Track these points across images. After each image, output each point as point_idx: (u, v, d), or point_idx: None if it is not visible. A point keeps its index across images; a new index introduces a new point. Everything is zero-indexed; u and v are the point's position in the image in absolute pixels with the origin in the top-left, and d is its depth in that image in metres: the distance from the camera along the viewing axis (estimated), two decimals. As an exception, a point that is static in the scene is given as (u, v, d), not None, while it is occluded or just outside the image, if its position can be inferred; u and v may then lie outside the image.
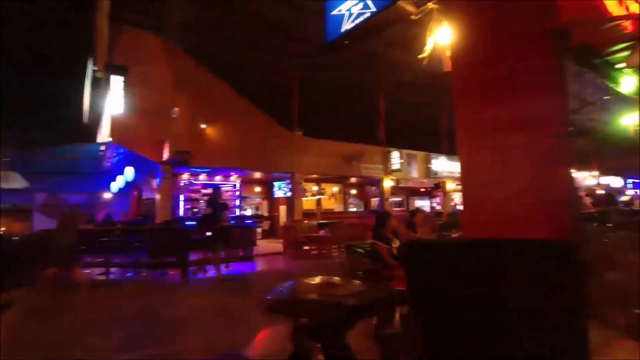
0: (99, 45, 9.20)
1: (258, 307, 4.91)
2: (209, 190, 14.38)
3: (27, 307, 6.24)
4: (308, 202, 16.92)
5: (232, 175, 15.08)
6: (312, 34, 12.46)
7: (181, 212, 13.81)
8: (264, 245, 13.57)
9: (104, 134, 12.05)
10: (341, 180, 18.52)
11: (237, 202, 15.41)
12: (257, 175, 16.40)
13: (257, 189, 18.02)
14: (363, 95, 16.97)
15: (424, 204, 22.88)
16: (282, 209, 17.41)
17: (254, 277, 8.74)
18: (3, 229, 16.05)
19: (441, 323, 1.46)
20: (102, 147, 12.54)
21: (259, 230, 15.37)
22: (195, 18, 10.69)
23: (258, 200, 18.20)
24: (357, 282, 2.42)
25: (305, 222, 13.87)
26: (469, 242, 1.92)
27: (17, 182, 14.13)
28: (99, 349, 4.16)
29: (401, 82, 15.86)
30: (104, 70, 9.83)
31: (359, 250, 4.98)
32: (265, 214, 18.00)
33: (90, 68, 11.62)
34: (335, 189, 19.41)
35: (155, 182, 12.74)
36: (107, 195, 17.81)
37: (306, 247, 11.89)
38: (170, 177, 12.20)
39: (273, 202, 18.10)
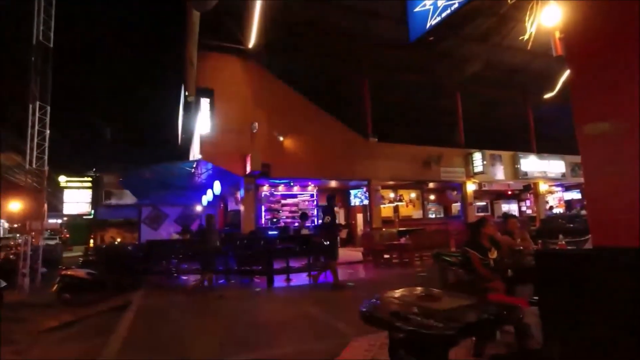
0: (189, 72, 10.20)
1: (347, 315, 4.87)
2: (290, 201, 14.94)
3: (140, 308, 7.04)
4: (385, 210, 16.59)
5: (309, 185, 15.45)
6: (384, 37, 12.44)
7: (263, 222, 14.51)
8: (342, 253, 13.57)
9: (195, 152, 13.27)
10: (419, 185, 17.86)
11: (315, 212, 15.72)
12: (333, 183, 16.57)
13: (334, 197, 18.19)
14: (439, 96, 16.26)
15: (511, 208, 20.95)
16: (359, 217, 17.32)
17: (338, 285, 8.75)
18: (119, 239, 18.56)
19: (581, 342, 1.26)
20: (194, 164, 13.79)
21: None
22: (269, 33, 11.26)
23: (335, 208, 18.34)
24: (460, 295, 2.24)
25: (384, 229, 13.59)
26: (606, 251, 1.64)
27: (128, 197, 16.20)
28: (196, 350, 4.49)
29: (480, 78, 14.88)
30: (194, 94, 10.85)
31: (448, 259, 4.68)
32: (343, 222, 18.07)
33: (182, 94, 12.97)
34: (413, 195, 18.76)
35: (239, 194, 13.60)
36: (199, 208, 19.49)
37: (386, 255, 11.63)
38: (253, 189, 12.93)
39: (350, 210, 18.11)
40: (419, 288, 2.35)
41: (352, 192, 17.59)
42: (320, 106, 13.83)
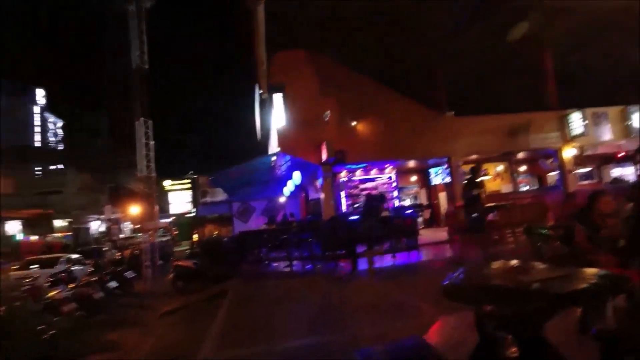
0: (260, 71, 10.73)
1: (432, 295, 4.78)
2: (368, 185, 14.95)
3: (237, 294, 7.78)
4: (470, 186, 15.62)
5: (386, 167, 15.24)
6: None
7: (344, 208, 14.74)
8: (427, 234, 13.21)
9: (273, 146, 13.97)
10: (506, 157, 16.38)
11: (395, 193, 15.47)
12: (412, 164, 16.08)
13: (413, 178, 17.69)
14: (521, 56, 14.58)
15: (624, 172, 18.01)
16: (442, 196, 16.58)
17: (422, 265, 8.60)
18: (216, 232, 20.53)
19: None
20: (273, 158, 14.55)
21: (419, 219, 15.06)
22: (330, 20, 11.21)
23: (415, 189, 17.86)
24: (558, 267, 2.09)
25: (470, 207, 12.84)
26: None
27: (220, 195, 17.75)
28: (287, 332, 4.82)
29: (569, 28, 12.96)
30: (267, 91, 11.40)
31: (543, 232, 4.28)
32: (425, 202, 17.51)
33: (256, 92, 13.70)
34: (500, 168, 17.29)
35: (318, 183, 14.00)
36: (282, 199, 20.54)
37: (474, 234, 11.01)
38: (330, 177, 13.20)
39: (431, 190, 17.45)
40: (504, 261, 2.24)
41: (432, 170, 16.89)
42: (390, 86, 13.46)
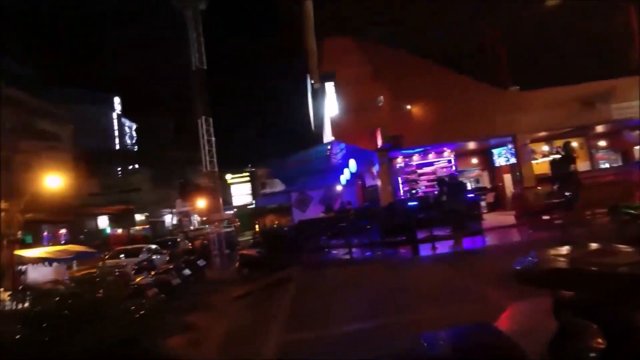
0: (311, 61, 10.80)
1: (500, 280, 4.54)
2: (426, 169, 14.47)
3: (299, 280, 8.04)
4: (539, 165, 14.42)
5: (444, 151, 14.61)
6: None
7: (401, 194, 14.45)
8: (491, 218, 12.49)
9: (327, 135, 14.06)
10: (582, 132, 14.81)
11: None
12: (472, 145, 15.24)
13: (474, 160, 16.76)
14: (597, 16, 12.96)
15: None
16: (507, 178, 15.52)
17: (487, 250, 8.20)
18: (276, 222, 21.31)
19: None
20: (328, 147, 14.66)
21: (482, 203, 14.27)
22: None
23: (477, 172, 16.92)
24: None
25: (540, 188, 11.87)
26: None
27: (278, 185, 18.35)
28: (350, 316, 4.89)
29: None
30: (318, 80, 11.46)
31: (631, 211, 3.85)
32: (487, 185, 16.52)
33: (308, 82, 13.83)
34: (575, 144, 15.67)
35: (374, 169, 13.86)
36: (338, 187, 20.68)
37: (546, 217, 10.18)
38: (387, 163, 12.99)
39: (494, 172, 16.40)
40: (590, 243, 2.06)
41: (495, 151, 15.83)
42: (446, 65, 12.78)
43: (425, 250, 8.70)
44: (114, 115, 53.38)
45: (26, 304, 7.34)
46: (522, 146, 12.92)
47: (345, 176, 17.09)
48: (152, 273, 9.93)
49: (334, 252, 11.27)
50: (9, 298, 7.36)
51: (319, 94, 13.04)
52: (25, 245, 15.98)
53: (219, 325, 6.31)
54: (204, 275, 12.54)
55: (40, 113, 25.54)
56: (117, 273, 7.98)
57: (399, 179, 14.55)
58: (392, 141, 11.88)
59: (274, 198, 27.01)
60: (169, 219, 41.03)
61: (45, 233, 24.29)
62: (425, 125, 12.55)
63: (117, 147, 50.62)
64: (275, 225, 23.03)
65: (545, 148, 14.94)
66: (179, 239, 21.46)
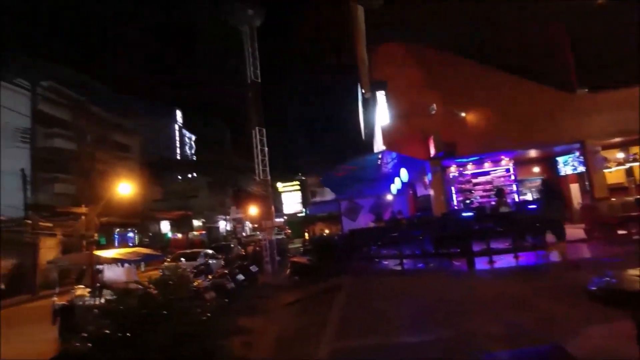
0: (362, 71, 10.87)
1: (568, 299, 4.22)
2: (482, 179, 13.82)
3: (350, 288, 8.02)
4: (613, 174, 13.17)
5: (502, 159, 13.86)
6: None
7: (455, 204, 13.91)
8: (558, 231, 11.55)
9: (378, 144, 13.98)
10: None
11: (514, 187, 13.96)
12: (533, 153, 14.32)
13: (536, 169, 15.69)
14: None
15: None
16: (574, 187, 14.33)
17: (552, 266, 7.61)
18: (326, 230, 21.47)
19: None
20: (379, 156, 14.56)
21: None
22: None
23: (539, 181, 15.82)
24: None
25: (614, 199, 10.83)
26: None
27: (328, 194, 18.51)
28: (401, 328, 4.79)
29: None
30: (369, 90, 11.49)
31: None
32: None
33: (359, 91, 13.90)
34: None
35: (427, 179, 13.51)
36: (389, 197, 20.39)
37: (622, 231, 9.27)
38: (440, 171, 12.61)
39: (559, 181, 15.21)
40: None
41: (560, 159, 14.71)
42: (504, 69, 12.19)
43: (481, 263, 8.29)
44: (176, 127, 57.33)
45: (102, 300, 8.07)
46: (592, 153, 11.90)
47: (396, 185, 16.83)
48: (209, 277, 10.43)
49: (385, 262, 11.11)
50: (88, 294, 8.14)
51: (369, 103, 13.05)
52: (100, 246, 17.63)
53: (272, 329, 6.48)
54: (257, 280, 12.92)
55: (114, 126, 28.19)
56: (178, 276, 8.49)
57: (453, 188, 14.02)
58: (445, 149, 11.53)
59: (323, 206, 27.26)
60: (223, 225, 42.93)
61: (116, 235, 26.55)
62: (481, 132, 12.06)
63: (178, 156, 54.19)
64: (325, 234, 23.20)
65: (620, 155, 13.60)
66: (232, 245, 22.37)
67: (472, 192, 13.82)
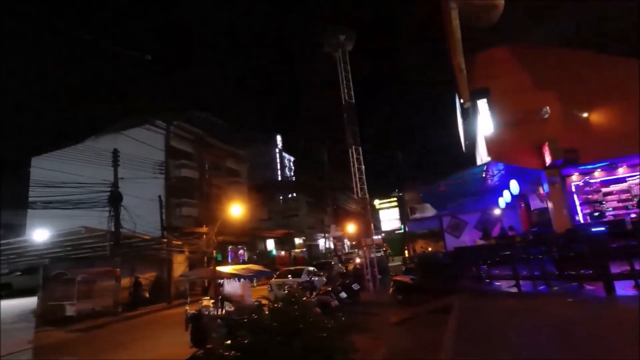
0: (459, 80, 10.42)
1: None
2: (615, 187, 11.81)
3: (462, 310, 7.51)
4: None
5: (642, 163, 11.66)
6: None
7: (580, 218, 12.09)
8: None
9: (482, 155, 13.06)
10: None
11: (662, 195, 11.55)
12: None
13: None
14: None
15: None
16: None
17: None
18: (429, 248, 20.59)
19: None
20: (484, 168, 13.57)
21: None
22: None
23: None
24: None
25: None
26: None
27: (429, 210, 17.83)
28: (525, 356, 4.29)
29: None
30: (469, 99, 10.91)
31: None
32: None
33: (457, 102, 13.29)
34: None
35: (542, 190, 12.08)
36: (497, 211, 18.71)
37: None
38: (559, 182, 11.18)
39: None
40: None
41: None
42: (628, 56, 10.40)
43: (623, 288, 7.01)
44: (277, 150, 61.85)
45: (223, 311, 9.02)
46: None
47: (504, 199, 15.38)
48: (314, 294, 10.82)
49: (497, 283, 10.17)
50: (212, 305, 9.19)
51: (469, 113, 12.35)
52: (217, 262, 19.75)
53: (379, 348, 6.42)
54: (359, 298, 12.95)
55: (227, 154, 31.76)
56: (285, 292, 9.01)
57: (576, 199, 12.24)
58: (566, 156, 10.21)
59: (423, 223, 26.20)
60: (322, 243, 44.21)
61: (230, 252, 29.38)
62: (609, 133, 10.39)
63: (279, 178, 58.16)
64: (427, 252, 22.22)
65: None
66: (333, 262, 22.80)
67: (603, 204, 11.87)
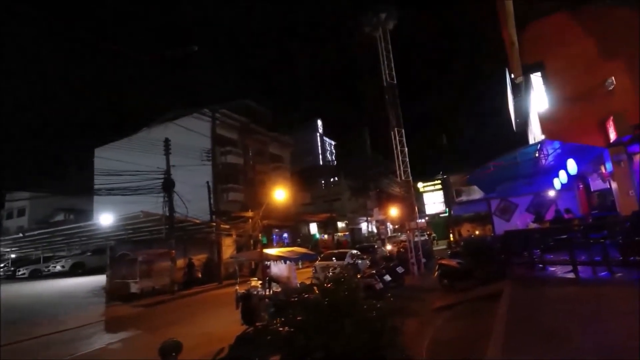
0: (511, 54, 9.74)
1: None
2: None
3: (513, 297, 7.24)
4: None
5: None
6: None
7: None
8: None
9: (535, 134, 12.23)
10: None
11: None
12: None
13: None
14: None
15: None
16: None
17: None
18: (476, 232, 19.90)
19: None
20: (537, 147, 12.73)
21: None
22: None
23: None
24: None
25: None
26: None
27: (476, 193, 17.14)
28: (584, 350, 4.06)
29: None
30: (521, 74, 10.18)
31: None
32: None
33: (507, 78, 12.48)
34: None
35: (604, 169, 11.14)
36: (551, 193, 17.59)
37: None
38: (625, 159, 10.22)
39: None
40: None
41: None
42: None
43: None
44: (317, 135, 62.03)
45: (270, 292, 9.40)
46: None
47: (560, 179, 14.38)
48: (359, 276, 10.92)
49: (551, 268, 9.64)
50: (260, 286, 9.62)
51: (521, 89, 11.53)
52: (263, 245, 20.48)
53: (425, 332, 6.40)
54: (403, 282, 12.90)
55: (270, 140, 32.39)
56: (330, 273, 9.16)
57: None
58: (634, 132, 9.28)
59: (470, 206, 25.29)
60: (365, 227, 44.16)
61: (274, 236, 30.28)
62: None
63: (321, 162, 58.45)
64: (473, 236, 21.50)
65: None
66: (376, 246, 22.78)
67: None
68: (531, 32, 10.74)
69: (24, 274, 26.77)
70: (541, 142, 11.82)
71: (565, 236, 9.15)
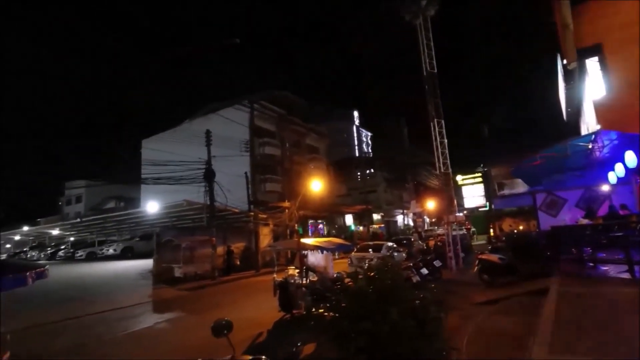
0: (564, 37, 9.12)
1: None
2: None
3: (560, 294, 6.90)
4: None
5: None
6: None
7: None
8: None
9: (588, 124, 11.43)
10: None
11: None
12: None
13: None
14: None
15: None
16: None
17: None
18: (521, 226, 19.07)
19: None
20: (591, 138, 11.89)
21: None
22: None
23: None
24: None
25: None
26: None
27: (519, 187, 16.37)
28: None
29: None
30: (575, 59, 9.50)
31: None
32: None
33: (558, 64, 11.71)
34: None
35: (670, 162, 10.23)
36: (604, 187, 16.42)
37: None
38: (695, 152, 9.33)
39: None
40: None
41: None
42: None
43: None
44: (354, 126, 61.61)
45: (307, 281, 9.56)
46: None
47: (617, 173, 13.35)
48: (395, 268, 10.83)
49: (603, 267, 9.09)
50: (297, 274, 9.81)
51: (574, 75, 10.74)
52: (299, 235, 20.81)
53: (466, 327, 6.27)
54: (441, 276, 12.64)
55: (307, 132, 32.61)
56: (366, 265, 9.16)
57: None
58: None
59: (512, 200, 24.14)
60: (400, 219, 43.53)
61: (310, 227, 30.63)
62: None
63: (357, 153, 58.08)
64: (515, 231, 20.60)
65: None
66: (413, 239, 22.44)
67: None
68: (588, 12, 9.97)
69: (81, 255, 29.05)
70: (596, 133, 11.01)
71: (621, 234, 8.56)
